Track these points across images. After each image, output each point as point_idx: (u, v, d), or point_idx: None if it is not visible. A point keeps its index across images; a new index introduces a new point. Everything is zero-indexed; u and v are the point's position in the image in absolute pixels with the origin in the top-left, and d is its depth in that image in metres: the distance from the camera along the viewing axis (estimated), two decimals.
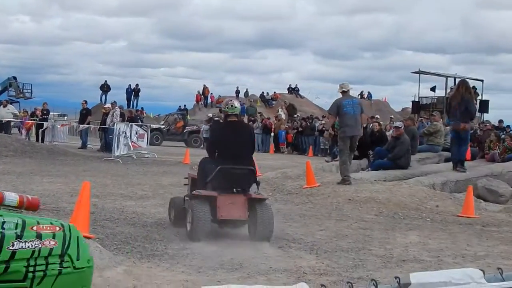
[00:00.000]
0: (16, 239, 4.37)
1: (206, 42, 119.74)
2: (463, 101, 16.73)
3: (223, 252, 9.09)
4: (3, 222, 4.37)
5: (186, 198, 10.94)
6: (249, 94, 59.46)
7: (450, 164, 17.62)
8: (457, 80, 27.83)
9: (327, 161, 21.81)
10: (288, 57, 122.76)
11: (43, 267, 4.46)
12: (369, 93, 63.40)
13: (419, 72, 44.17)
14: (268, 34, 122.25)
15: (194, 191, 10.30)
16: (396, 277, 2.34)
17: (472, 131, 24.24)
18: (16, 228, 4.42)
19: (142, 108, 48.35)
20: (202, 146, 39.53)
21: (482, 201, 15.26)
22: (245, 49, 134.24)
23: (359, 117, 15.52)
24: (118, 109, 30.37)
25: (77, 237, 4.69)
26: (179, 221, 10.68)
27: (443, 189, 16.05)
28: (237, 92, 58.23)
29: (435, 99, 42.04)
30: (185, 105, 54.09)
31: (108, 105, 32.38)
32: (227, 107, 10.59)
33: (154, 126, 38.98)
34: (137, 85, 53.76)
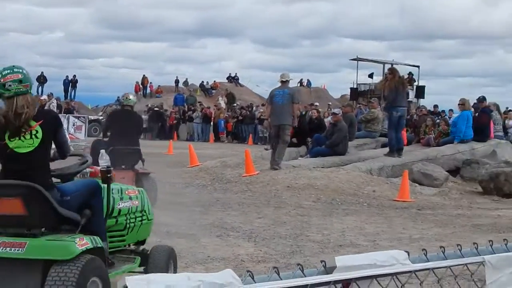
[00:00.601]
0: (120, 200, 6.19)
1: (144, 32, 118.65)
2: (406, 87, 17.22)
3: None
4: (112, 189, 6.06)
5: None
6: (189, 84, 59.02)
7: (387, 149, 17.74)
8: (388, 66, 27.90)
9: (266, 149, 21.78)
10: (227, 46, 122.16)
11: (133, 220, 6.33)
12: (308, 80, 63.47)
13: (357, 59, 44.54)
14: (207, 23, 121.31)
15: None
16: (322, 261, 2.35)
17: (408, 117, 24.58)
18: (118, 192, 6.24)
19: (72, 99, 47.39)
20: (141, 136, 39.14)
21: (417, 185, 15.47)
22: (184, 39, 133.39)
23: (288, 107, 15.81)
24: (55, 100, 29.98)
25: (146, 198, 6.66)
26: None
27: (380, 174, 16.23)
28: (177, 81, 57.65)
29: (373, 86, 42.35)
30: None
31: (44, 96, 31.82)
32: (123, 99, 12.90)
33: (92, 117, 38.51)
34: (74, 76, 53.01)
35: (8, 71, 5.45)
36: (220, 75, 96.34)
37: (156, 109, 42.01)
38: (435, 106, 32.57)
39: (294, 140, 19.30)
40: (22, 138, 5.37)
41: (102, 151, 6.33)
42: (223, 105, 43.18)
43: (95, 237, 5.46)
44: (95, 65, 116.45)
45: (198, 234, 9.64)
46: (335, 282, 2.26)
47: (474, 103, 19.81)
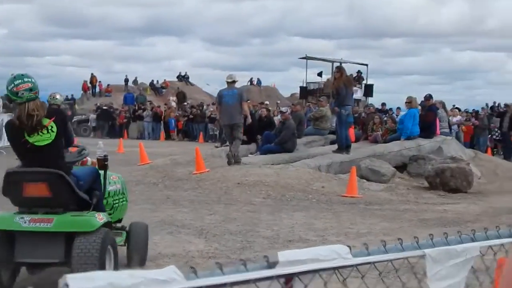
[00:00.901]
0: (108, 184, 7.42)
1: (91, 29, 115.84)
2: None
3: None
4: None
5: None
6: (139, 82, 58.35)
7: (336, 146, 17.84)
8: (336, 64, 27.93)
9: (217, 147, 21.82)
10: (177, 44, 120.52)
11: (118, 201, 7.64)
12: (258, 79, 63.21)
13: (306, 58, 44.43)
14: (155, 21, 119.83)
15: None
16: (264, 256, 2.37)
17: (356, 114, 24.76)
18: (107, 178, 7.36)
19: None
20: (91, 135, 38.87)
21: (365, 180, 15.59)
22: (132, 37, 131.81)
23: (237, 107, 16.03)
24: (0, 100, 29.36)
25: (124, 181, 7.99)
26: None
27: (328, 170, 16.29)
28: (126, 80, 56.83)
29: (322, 84, 42.38)
30: (72, 95, 52.45)
31: None
32: (50, 98, 13.06)
33: None
34: None
35: (19, 80, 6.32)
36: (170, 73, 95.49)
37: (105, 108, 41.71)
38: (383, 104, 32.83)
39: (244, 137, 19.32)
40: (40, 133, 6.31)
41: (100, 142, 7.42)
42: (174, 104, 42.95)
43: (105, 213, 6.74)
44: (42, 63, 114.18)
45: (148, 232, 9.59)
46: (278, 276, 2.28)
47: (421, 101, 20.04)
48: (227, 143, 18.29)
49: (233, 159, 16.05)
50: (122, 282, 1.85)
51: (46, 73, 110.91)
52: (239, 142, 16.47)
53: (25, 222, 6.29)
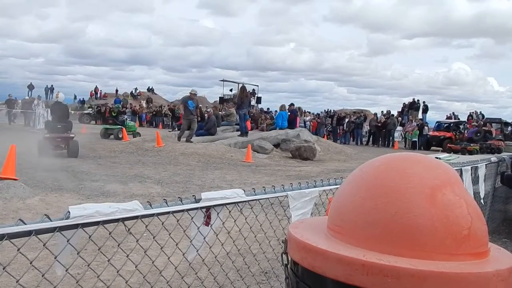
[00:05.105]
0: None
1: (96, 59, 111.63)
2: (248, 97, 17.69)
3: (105, 186, 8.68)
4: None
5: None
6: (123, 92, 56.60)
7: (239, 132, 17.83)
8: (240, 85, 27.97)
9: (169, 131, 21.47)
10: (147, 70, 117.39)
11: None
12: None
13: (223, 80, 44.07)
14: (135, 56, 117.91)
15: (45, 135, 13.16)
16: (193, 195, 2.30)
17: (252, 114, 24.78)
18: None
19: (51, 99, 44.31)
20: (94, 122, 37.40)
21: (256, 152, 15.66)
22: (120, 65, 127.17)
23: (195, 111, 16.16)
24: (41, 102, 28.04)
25: None
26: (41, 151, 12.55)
27: (235, 146, 16.26)
28: (116, 90, 55.07)
29: (232, 96, 42.14)
30: (83, 98, 50.59)
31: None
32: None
33: None
34: (52, 85, 49.52)
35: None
36: (142, 87, 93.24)
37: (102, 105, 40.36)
38: (268, 108, 33.12)
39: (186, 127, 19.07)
40: None
41: None
42: (144, 105, 41.94)
43: None
44: (65, 79, 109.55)
45: (127, 181, 9.34)
46: (201, 208, 2.23)
47: (288, 107, 20.23)
48: (176, 129, 18.05)
49: (187, 139, 15.83)
50: (105, 210, 1.76)
51: (68, 84, 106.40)
52: (193, 131, 16.22)
53: None
